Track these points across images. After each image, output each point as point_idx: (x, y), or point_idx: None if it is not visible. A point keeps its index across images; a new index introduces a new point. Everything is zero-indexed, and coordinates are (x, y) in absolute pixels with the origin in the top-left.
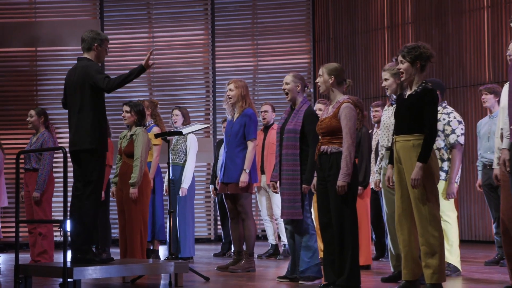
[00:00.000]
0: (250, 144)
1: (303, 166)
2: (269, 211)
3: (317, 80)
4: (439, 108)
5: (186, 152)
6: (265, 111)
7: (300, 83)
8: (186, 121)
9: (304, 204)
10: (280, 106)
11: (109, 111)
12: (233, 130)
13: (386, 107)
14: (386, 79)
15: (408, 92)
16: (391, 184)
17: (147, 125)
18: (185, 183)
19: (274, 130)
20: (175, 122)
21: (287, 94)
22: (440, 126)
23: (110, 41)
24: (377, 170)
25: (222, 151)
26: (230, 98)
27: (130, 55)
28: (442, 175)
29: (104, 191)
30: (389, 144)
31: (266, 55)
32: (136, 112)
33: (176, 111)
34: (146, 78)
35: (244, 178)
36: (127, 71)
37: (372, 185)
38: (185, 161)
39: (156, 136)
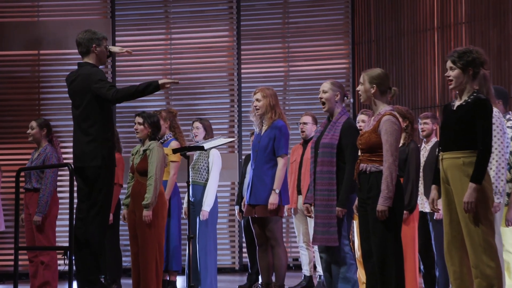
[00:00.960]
0: (281, 161)
1: (340, 185)
2: (306, 237)
3: (358, 88)
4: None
5: (208, 170)
6: (304, 123)
7: (339, 92)
8: (209, 135)
9: (341, 230)
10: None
11: (120, 123)
12: (261, 144)
13: None
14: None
15: (458, 103)
16: (436, 207)
17: (165, 138)
18: (207, 205)
19: None
20: (196, 135)
21: (323, 104)
22: None
23: (122, 44)
24: None
25: (249, 168)
26: (257, 109)
27: (145, 59)
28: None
29: (113, 213)
30: None
31: (299, 60)
32: (150, 124)
33: (197, 124)
34: None
35: (273, 199)
36: (137, 83)
37: (420, 207)
38: (206, 180)
39: (174, 151)
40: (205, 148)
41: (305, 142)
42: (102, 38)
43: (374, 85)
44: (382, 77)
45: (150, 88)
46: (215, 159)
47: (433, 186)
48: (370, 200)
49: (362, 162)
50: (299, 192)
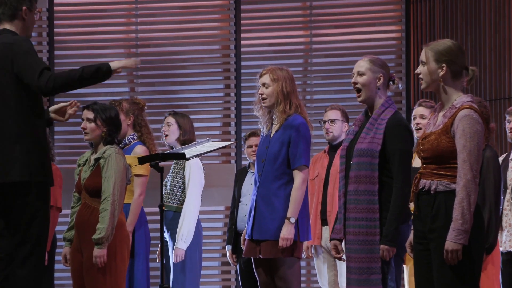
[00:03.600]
0: (299, 176)
1: (385, 212)
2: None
3: (417, 70)
4: None
5: (183, 188)
6: (331, 121)
7: (382, 74)
8: (186, 135)
9: (387, 279)
10: (349, 111)
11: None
12: (269, 151)
13: None
14: None
15: None
16: None
17: (127, 141)
18: (182, 241)
19: None
20: (166, 135)
21: (359, 91)
22: None
23: (62, 5)
24: None
25: (246, 186)
26: (264, 99)
27: (97, 24)
28: None
29: (48, 251)
30: None
31: (326, 27)
32: (105, 121)
33: (169, 119)
34: None
35: (287, 232)
36: (79, 67)
37: (508, 246)
38: (181, 202)
39: (141, 161)
40: (187, 156)
41: (332, 148)
42: (34, 0)
43: (444, 65)
44: (454, 52)
45: (99, 74)
46: (192, 171)
47: None
48: (435, 234)
49: (424, 178)
50: (323, 222)
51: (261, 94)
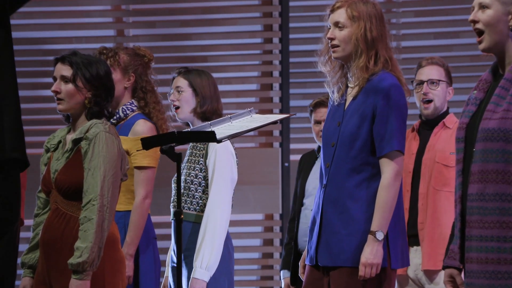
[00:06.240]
0: (389, 167)
1: None
2: None
3: None
4: None
5: (205, 188)
6: (432, 82)
7: None
8: (209, 104)
9: None
10: (456, 66)
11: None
12: (343, 130)
13: None
14: None
15: None
16: None
17: (122, 114)
18: (203, 268)
19: (449, 131)
20: (177, 109)
21: (480, 34)
22: None
23: None
24: None
25: (315, 181)
26: (335, 47)
27: None
28: None
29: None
30: None
31: None
32: (89, 81)
33: (179, 81)
34: None
35: (371, 254)
36: None
37: None
38: (202, 209)
39: (146, 144)
40: (219, 136)
41: (426, 124)
42: None
43: None
44: None
45: None
46: (219, 160)
47: None
48: None
49: None
50: (412, 240)
51: (332, 39)
